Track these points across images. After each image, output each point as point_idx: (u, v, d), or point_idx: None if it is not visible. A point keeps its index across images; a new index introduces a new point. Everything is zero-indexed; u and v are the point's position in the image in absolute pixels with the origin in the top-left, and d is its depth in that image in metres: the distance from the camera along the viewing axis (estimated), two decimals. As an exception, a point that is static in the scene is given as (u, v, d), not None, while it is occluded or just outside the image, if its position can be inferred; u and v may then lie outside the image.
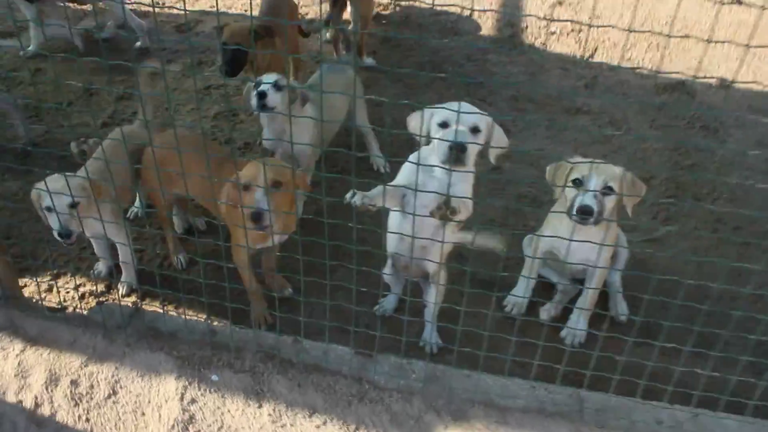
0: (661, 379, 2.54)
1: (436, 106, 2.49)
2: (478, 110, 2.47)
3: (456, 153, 2.32)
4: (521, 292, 3.21)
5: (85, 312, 3.04)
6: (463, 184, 2.52)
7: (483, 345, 2.50)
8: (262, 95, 3.24)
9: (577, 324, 3.05)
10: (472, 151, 2.41)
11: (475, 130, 2.43)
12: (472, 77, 5.29)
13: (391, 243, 2.75)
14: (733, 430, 2.56)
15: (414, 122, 2.60)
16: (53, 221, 2.82)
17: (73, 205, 2.84)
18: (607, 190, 2.68)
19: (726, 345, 2.41)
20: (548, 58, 5.64)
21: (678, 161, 4.36)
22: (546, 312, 3.20)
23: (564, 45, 5.71)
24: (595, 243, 2.67)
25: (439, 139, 2.39)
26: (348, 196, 2.30)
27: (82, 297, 3.29)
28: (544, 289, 3.32)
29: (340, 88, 3.71)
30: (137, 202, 3.74)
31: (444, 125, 2.43)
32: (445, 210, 2.27)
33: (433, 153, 2.45)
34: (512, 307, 3.21)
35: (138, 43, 5.54)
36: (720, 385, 2.52)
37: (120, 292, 3.29)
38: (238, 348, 2.79)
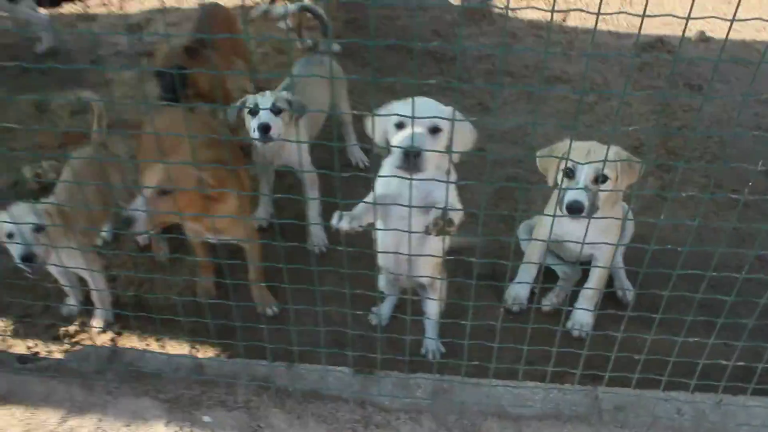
0: (679, 366, 2.38)
1: (389, 113, 2.23)
2: (438, 106, 2.23)
3: (412, 159, 2.08)
4: (521, 287, 3.04)
5: (60, 356, 2.83)
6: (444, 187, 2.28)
7: (490, 349, 2.32)
8: (265, 129, 2.95)
9: (584, 313, 2.88)
10: (431, 154, 2.14)
11: (435, 129, 2.17)
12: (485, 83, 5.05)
13: (380, 258, 2.54)
14: (759, 416, 2.43)
15: (372, 126, 2.36)
16: (15, 245, 2.61)
17: (38, 230, 2.62)
18: (602, 178, 2.50)
19: (751, 331, 2.24)
20: (520, 25, 5.42)
21: (666, 123, 4.20)
22: (548, 300, 3.04)
23: (535, 10, 5.49)
24: (600, 239, 2.50)
25: (394, 146, 2.15)
26: (334, 221, 2.08)
27: (54, 339, 3.05)
28: (544, 277, 3.15)
29: (321, 81, 3.45)
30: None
31: (400, 126, 2.18)
32: (442, 225, 2.05)
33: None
34: (512, 301, 3.04)
35: (42, 46, 5.24)
36: (744, 371, 2.38)
37: (96, 327, 3.06)
38: (229, 382, 2.59)
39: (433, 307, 2.70)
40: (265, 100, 3.04)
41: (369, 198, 2.28)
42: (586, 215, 2.41)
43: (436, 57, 5.03)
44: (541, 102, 4.49)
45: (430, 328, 2.83)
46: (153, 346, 2.97)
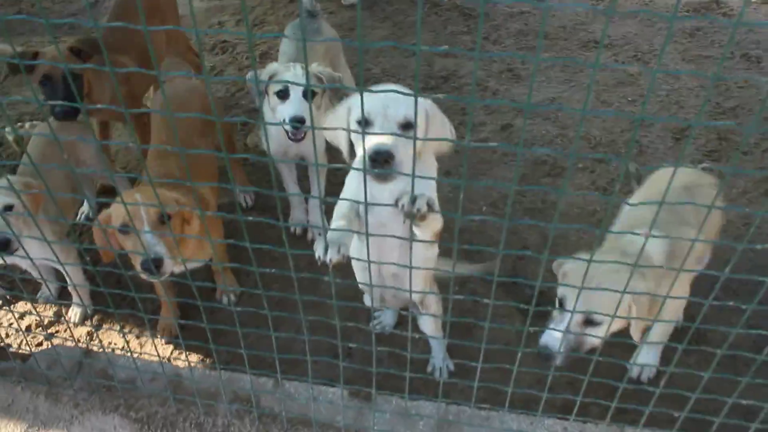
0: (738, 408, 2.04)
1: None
2: (411, 98, 1.73)
3: (381, 164, 1.65)
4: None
5: (33, 348, 2.58)
6: (424, 190, 1.78)
7: (507, 370, 1.99)
8: (300, 121, 2.48)
9: (648, 359, 2.47)
10: (404, 155, 1.71)
11: (407, 126, 1.75)
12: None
13: (358, 273, 2.18)
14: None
15: (329, 122, 1.93)
16: None
17: (8, 208, 2.33)
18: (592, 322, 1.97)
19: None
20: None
21: (719, 103, 3.73)
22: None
23: (576, -39, 4.93)
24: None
25: (361, 152, 1.71)
26: (319, 253, 1.70)
27: (28, 329, 2.80)
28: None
29: (317, 53, 3.00)
30: (85, 205, 3.17)
31: (365, 124, 1.73)
32: (411, 207, 1.63)
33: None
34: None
35: None
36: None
37: (72, 320, 2.80)
38: (208, 402, 2.31)
39: (429, 325, 2.37)
40: (296, 77, 2.50)
41: (340, 209, 1.91)
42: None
43: (464, 12, 4.55)
44: (577, 70, 4.02)
45: (436, 345, 2.52)
46: (132, 343, 2.71)
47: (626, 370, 2.34)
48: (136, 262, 2.14)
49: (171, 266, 2.15)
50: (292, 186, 2.99)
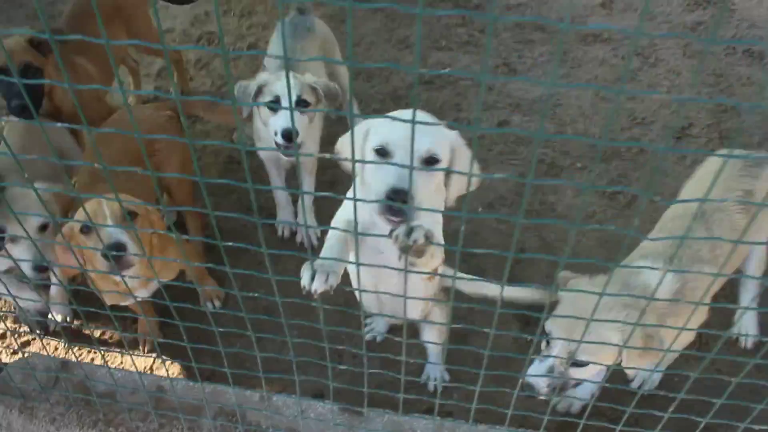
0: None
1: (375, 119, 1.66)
2: (439, 129, 1.63)
3: (398, 203, 1.46)
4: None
5: (6, 358, 2.46)
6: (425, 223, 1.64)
7: (505, 379, 1.89)
8: (289, 136, 2.34)
9: (652, 374, 2.38)
10: (424, 194, 1.57)
11: (430, 161, 1.60)
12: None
13: (357, 295, 2.05)
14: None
15: (343, 146, 1.79)
16: (22, 253, 2.18)
17: (43, 228, 2.26)
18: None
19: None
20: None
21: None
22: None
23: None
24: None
25: (375, 186, 1.55)
26: (305, 281, 1.54)
27: (2, 337, 2.67)
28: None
29: (311, 52, 2.80)
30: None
31: (382, 152, 1.59)
32: (405, 241, 1.46)
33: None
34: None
35: None
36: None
37: (50, 328, 2.68)
38: (191, 417, 2.19)
39: (431, 337, 2.27)
40: (282, 89, 2.34)
41: (336, 231, 1.73)
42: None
43: (459, 3, 4.42)
44: (575, 65, 3.91)
45: (434, 353, 2.42)
46: (112, 354, 2.60)
47: (633, 393, 2.25)
48: (97, 261, 2.01)
49: (134, 259, 1.99)
50: (278, 182, 2.86)
